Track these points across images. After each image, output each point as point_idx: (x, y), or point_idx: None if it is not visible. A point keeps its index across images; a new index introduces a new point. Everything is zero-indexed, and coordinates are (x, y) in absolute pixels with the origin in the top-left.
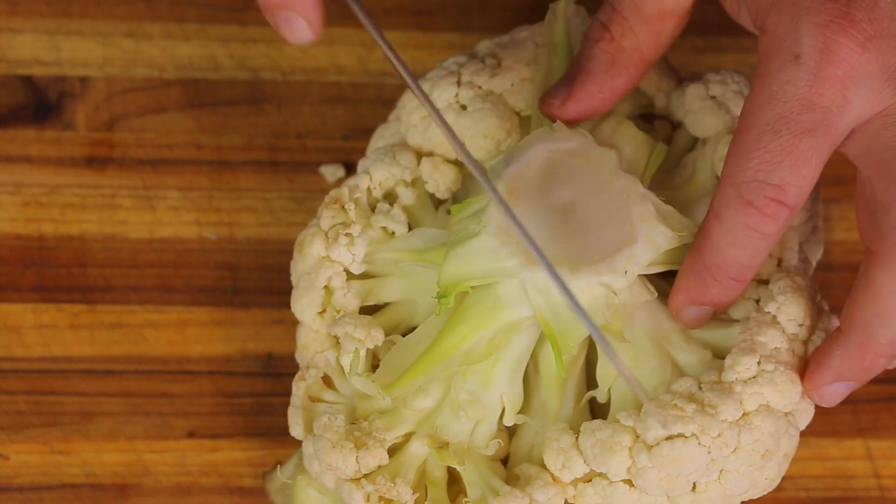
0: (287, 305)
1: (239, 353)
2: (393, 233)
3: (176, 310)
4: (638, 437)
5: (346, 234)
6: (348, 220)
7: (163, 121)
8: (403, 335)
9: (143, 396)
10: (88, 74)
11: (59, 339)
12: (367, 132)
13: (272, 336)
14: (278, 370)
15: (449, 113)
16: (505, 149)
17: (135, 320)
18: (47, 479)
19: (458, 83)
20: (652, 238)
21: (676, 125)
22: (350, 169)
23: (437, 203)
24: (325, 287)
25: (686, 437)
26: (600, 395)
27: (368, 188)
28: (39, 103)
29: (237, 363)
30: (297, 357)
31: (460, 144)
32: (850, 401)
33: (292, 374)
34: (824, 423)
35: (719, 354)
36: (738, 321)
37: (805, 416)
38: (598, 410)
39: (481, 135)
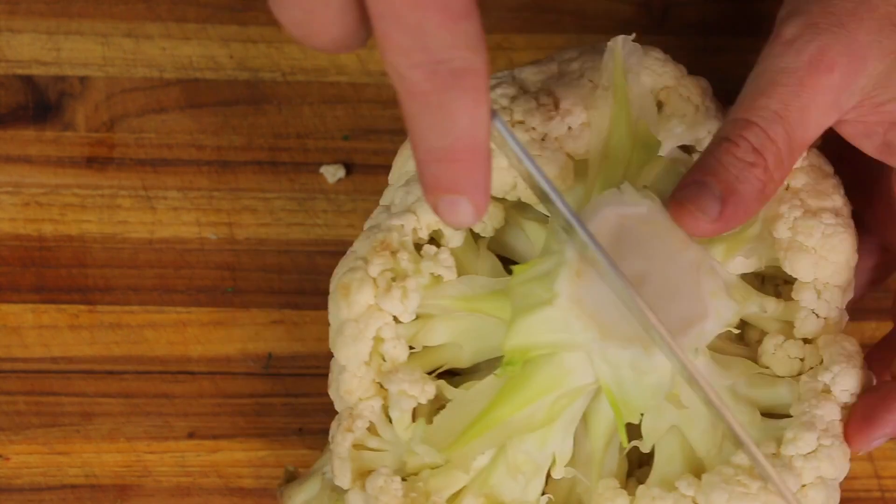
0: (287, 306)
1: (239, 353)
2: (440, 276)
3: (176, 310)
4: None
5: (401, 288)
6: (399, 269)
7: (163, 121)
8: (440, 376)
9: (144, 397)
10: (88, 74)
11: (59, 339)
12: (367, 132)
13: (272, 336)
14: (278, 370)
15: (502, 157)
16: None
17: (135, 321)
18: (47, 480)
19: (511, 122)
20: (721, 313)
21: None
22: (350, 169)
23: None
24: (374, 338)
25: None
26: (644, 447)
27: (414, 229)
28: (39, 103)
29: (237, 363)
30: (336, 399)
31: (560, 197)
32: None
33: (292, 375)
34: None
35: (765, 412)
36: (782, 378)
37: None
38: (629, 454)
39: (531, 188)
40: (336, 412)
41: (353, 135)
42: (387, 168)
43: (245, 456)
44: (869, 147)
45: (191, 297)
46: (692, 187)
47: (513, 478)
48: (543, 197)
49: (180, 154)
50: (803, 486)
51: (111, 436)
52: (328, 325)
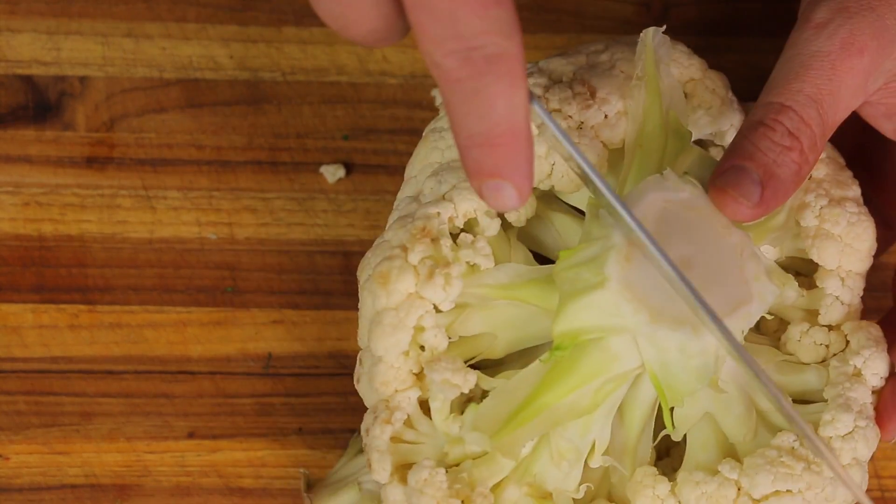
0: (287, 306)
1: (239, 353)
2: (476, 265)
3: (176, 310)
4: (740, 489)
5: (444, 274)
6: (440, 256)
7: (163, 121)
8: (474, 367)
9: (143, 397)
10: (88, 74)
11: (58, 339)
12: (367, 132)
13: (272, 336)
14: (278, 370)
15: (539, 144)
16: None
17: (135, 320)
18: (47, 480)
19: (553, 110)
20: (764, 297)
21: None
22: (350, 169)
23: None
24: (415, 326)
25: (793, 493)
26: (676, 436)
27: (451, 218)
28: (39, 103)
29: (237, 363)
30: (368, 392)
31: (604, 183)
32: None
33: (292, 375)
34: None
35: (794, 398)
36: (808, 364)
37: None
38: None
39: (574, 171)
40: (334, 410)
41: (353, 135)
42: (387, 168)
43: (245, 456)
44: (888, 128)
45: (191, 296)
46: (731, 172)
47: (556, 465)
48: (587, 181)
49: (180, 154)
50: (842, 465)
51: (111, 436)
52: (328, 324)
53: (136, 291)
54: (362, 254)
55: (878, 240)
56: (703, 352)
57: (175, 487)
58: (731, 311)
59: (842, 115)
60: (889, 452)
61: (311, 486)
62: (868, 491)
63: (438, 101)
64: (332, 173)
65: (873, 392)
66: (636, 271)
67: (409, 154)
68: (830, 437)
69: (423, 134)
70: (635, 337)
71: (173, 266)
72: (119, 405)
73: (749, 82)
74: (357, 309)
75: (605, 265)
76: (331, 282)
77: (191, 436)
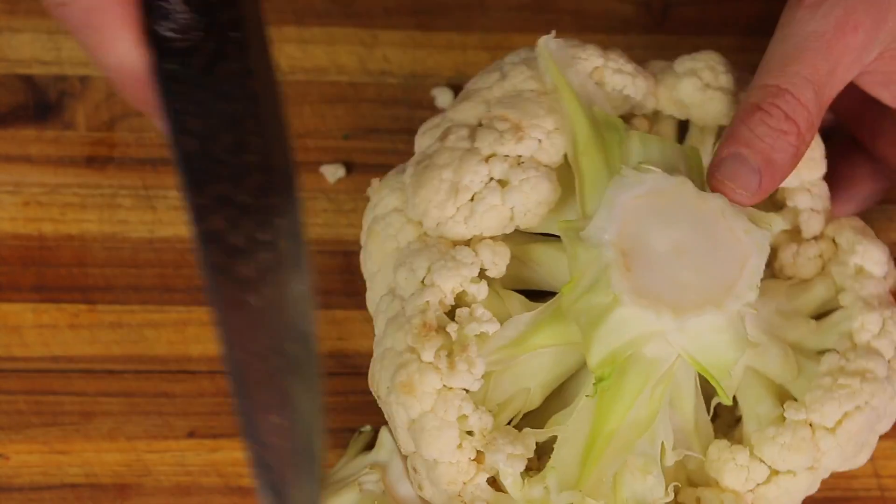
0: None
1: None
2: (483, 333)
3: (176, 309)
4: (812, 425)
5: (465, 359)
6: (452, 343)
7: None
8: (519, 427)
9: (144, 396)
10: (88, 74)
11: (59, 338)
12: (368, 132)
13: None
14: None
15: (492, 194)
16: (557, 208)
17: (135, 320)
18: (47, 479)
19: (485, 160)
20: (761, 245)
21: (661, 119)
22: (350, 168)
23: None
24: (458, 419)
25: (862, 408)
26: (727, 401)
27: (441, 301)
28: (39, 103)
29: None
30: (435, 495)
31: None
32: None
33: None
34: None
35: (818, 315)
36: (811, 279)
37: None
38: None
39: (536, 204)
40: (334, 409)
41: (352, 134)
42: (387, 168)
43: (245, 455)
44: (886, 96)
45: (191, 296)
46: (729, 162)
47: (643, 482)
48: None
49: None
50: (889, 361)
51: (111, 435)
52: (328, 324)
53: (136, 291)
54: None
55: (880, 190)
56: (732, 321)
57: (175, 487)
58: (739, 272)
59: (837, 89)
60: (889, 452)
61: None
62: (868, 490)
63: (438, 100)
64: (333, 173)
65: (880, 280)
66: (640, 277)
67: (410, 154)
68: (868, 340)
69: (366, 228)
70: (666, 336)
71: (174, 265)
72: (119, 405)
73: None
74: (357, 309)
75: (611, 283)
76: (331, 282)
77: (191, 435)
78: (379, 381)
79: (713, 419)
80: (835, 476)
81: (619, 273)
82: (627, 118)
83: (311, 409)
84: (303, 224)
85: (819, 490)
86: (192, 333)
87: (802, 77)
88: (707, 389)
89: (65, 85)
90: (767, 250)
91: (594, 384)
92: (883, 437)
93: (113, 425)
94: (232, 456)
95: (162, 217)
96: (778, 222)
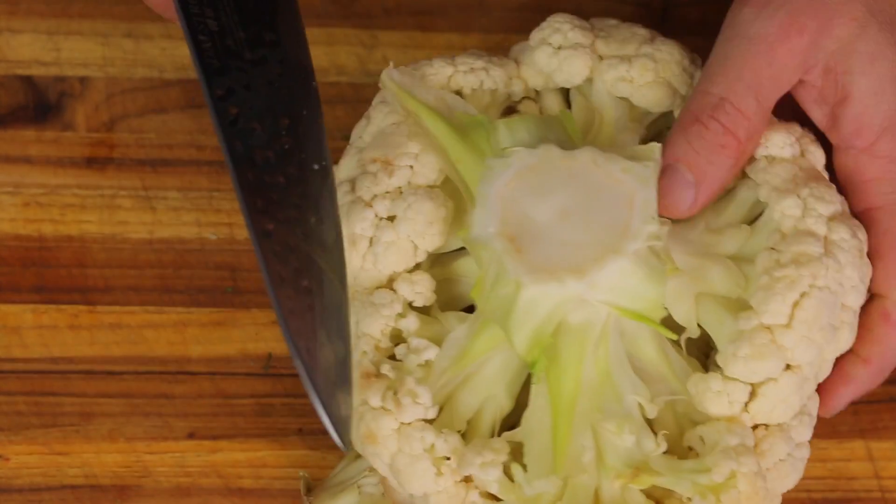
0: None
1: (239, 353)
2: (427, 361)
3: (176, 310)
4: (769, 328)
5: (407, 392)
6: (393, 382)
7: (163, 121)
8: (499, 434)
9: (143, 397)
10: (88, 74)
11: (58, 339)
12: None
13: (272, 336)
14: (278, 370)
15: (385, 232)
16: (449, 215)
17: (135, 321)
18: (47, 480)
19: (368, 204)
20: (643, 177)
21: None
22: None
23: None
24: (426, 449)
25: (807, 292)
26: (694, 333)
27: (375, 346)
28: (39, 103)
29: (237, 364)
30: None
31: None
32: (851, 402)
33: (292, 375)
34: (825, 425)
35: (752, 220)
36: (732, 188)
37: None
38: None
39: (427, 224)
40: None
41: None
42: None
43: (245, 456)
44: (817, 115)
45: (191, 297)
46: (666, 175)
47: (625, 442)
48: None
49: (180, 154)
50: (825, 237)
51: (111, 436)
52: None
53: (136, 292)
54: None
55: None
56: (640, 258)
57: (175, 488)
58: (631, 211)
59: (780, 94)
60: (889, 453)
61: (311, 489)
62: (868, 491)
63: None
64: None
65: (795, 158)
66: (534, 254)
67: None
68: (794, 227)
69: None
70: (584, 299)
71: (173, 266)
72: (119, 405)
73: None
74: None
75: (509, 271)
76: None
77: (191, 436)
78: (356, 440)
79: (707, 357)
80: (835, 476)
81: (511, 259)
82: (514, 109)
83: (336, 280)
84: (320, 114)
85: (819, 490)
86: (191, 334)
87: (744, 84)
88: (676, 329)
89: (64, 85)
90: (652, 180)
91: (530, 371)
92: (884, 438)
93: (113, 426)
94: (232, 457)
95: (161, 218)
96: (658, 149)
